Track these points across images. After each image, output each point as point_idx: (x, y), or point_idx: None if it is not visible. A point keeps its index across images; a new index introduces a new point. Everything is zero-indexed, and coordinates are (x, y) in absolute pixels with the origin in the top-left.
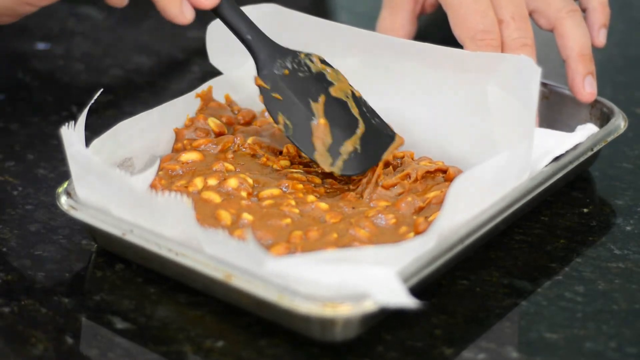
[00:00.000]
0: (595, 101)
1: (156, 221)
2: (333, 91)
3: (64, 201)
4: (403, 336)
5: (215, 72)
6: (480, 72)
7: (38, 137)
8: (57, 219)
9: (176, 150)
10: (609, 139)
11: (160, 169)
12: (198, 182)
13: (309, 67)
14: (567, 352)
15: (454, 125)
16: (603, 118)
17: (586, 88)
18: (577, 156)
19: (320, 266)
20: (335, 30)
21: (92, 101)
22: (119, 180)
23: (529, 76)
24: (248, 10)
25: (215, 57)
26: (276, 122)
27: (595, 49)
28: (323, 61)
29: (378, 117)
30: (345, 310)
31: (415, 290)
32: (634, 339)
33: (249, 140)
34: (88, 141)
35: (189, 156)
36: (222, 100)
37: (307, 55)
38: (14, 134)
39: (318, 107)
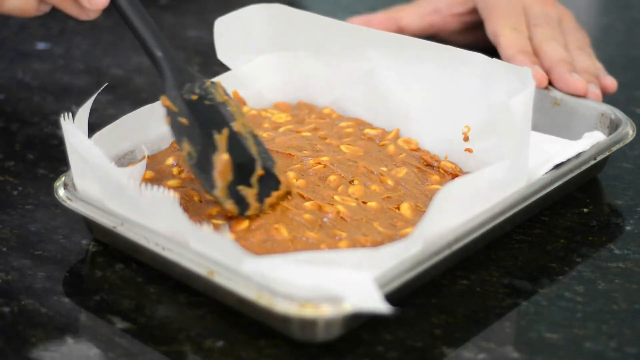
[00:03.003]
0: (604, 109)
1: (145, 215)
2: (235, 126)
3: (61, 193)
4: (403, 336)
5: (216, 72)
6: (483, 78)
7: (38, 137)
8: (57, 219)
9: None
10: (614, 149)
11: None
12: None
13: (213, 97)
14: (567, 352)
15: (455, 124)
16: (612, 126)
17: (575, 81)
18: (579, 165)
19: (297, 267)
20: (341, 29)
21: (96, 94)
22: (111, 173)
23: (525, 87)
24: (254, 9)
25: (223, 53)
26: (180, 148)
27: (595, 49)
28: (225, 92)
29: (272, 159)
30: (323, 311)
31: (406, 293)
32: (634, 339)
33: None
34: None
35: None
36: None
37: (213, 83)
38: (14, 134)
39: (221, 140)
